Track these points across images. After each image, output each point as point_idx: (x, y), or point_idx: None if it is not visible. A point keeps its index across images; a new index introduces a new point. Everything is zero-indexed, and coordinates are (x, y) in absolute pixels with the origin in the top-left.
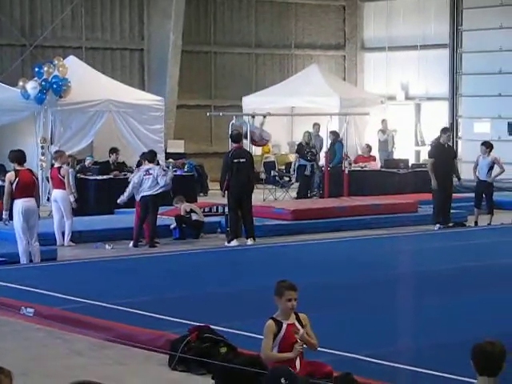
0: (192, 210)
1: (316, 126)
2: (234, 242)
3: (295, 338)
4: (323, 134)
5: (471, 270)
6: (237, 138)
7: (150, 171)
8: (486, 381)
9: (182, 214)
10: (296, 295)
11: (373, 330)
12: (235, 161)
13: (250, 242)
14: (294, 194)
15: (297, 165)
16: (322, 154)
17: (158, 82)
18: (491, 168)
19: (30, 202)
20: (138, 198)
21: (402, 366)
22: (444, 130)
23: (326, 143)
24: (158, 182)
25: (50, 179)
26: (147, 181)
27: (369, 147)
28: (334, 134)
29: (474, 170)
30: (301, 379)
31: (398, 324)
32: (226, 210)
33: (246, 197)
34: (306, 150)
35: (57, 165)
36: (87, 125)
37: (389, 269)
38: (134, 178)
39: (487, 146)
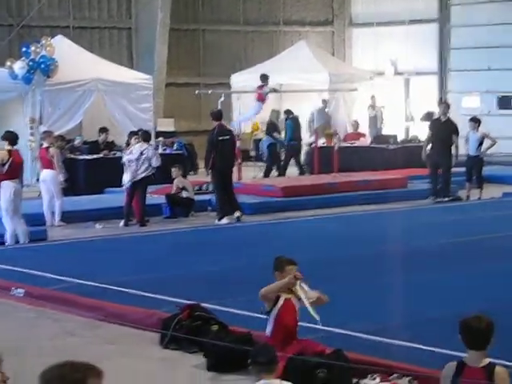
0: (184, 187)
1: (324, 102)
2: (225, 220)
3: (291, 314)
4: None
5: (461, 244)
6: (218, 115)
7: (144, 152)
8: (474, 354)
9: (174, 188)
10: (296, 269)
11: (364, 306)
12: (220, 138)
13: (237, 213)
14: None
15: (267, 143)
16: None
17: (146, 60)
18: (481, 143)
19: (18, 183)
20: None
21: (393, 342)
22: (439, 103)
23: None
24: (150, 164)
25: (38, 159)
26: (143, 163)
27: (356, 123)
28: (287, 112)
29: (465, 146)
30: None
31: (389, 299)
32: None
33: (229, 173)
34: (273, 128)
35: (45, 145)
36: (76, 104)
37: (379, 244)
38: (130, 163)
39: (475, 121)
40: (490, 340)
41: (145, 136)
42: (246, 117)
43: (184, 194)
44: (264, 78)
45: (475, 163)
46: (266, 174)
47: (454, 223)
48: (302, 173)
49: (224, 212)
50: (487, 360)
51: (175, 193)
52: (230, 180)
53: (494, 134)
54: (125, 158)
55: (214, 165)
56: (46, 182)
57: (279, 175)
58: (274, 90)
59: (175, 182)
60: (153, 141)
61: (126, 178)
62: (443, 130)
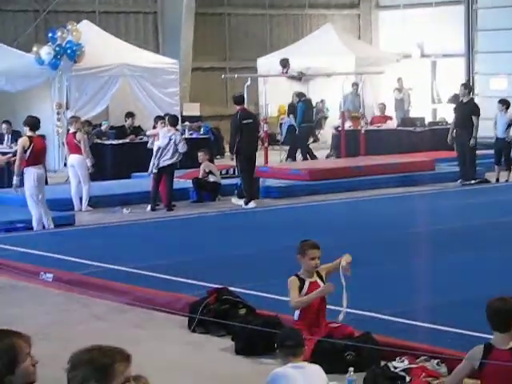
0: (211, 172)
1: (354, 85)
2: (252, 204)
3: (318, 298)
4: (339, 94)
5: (488, 227)
6: (240, 99)
7: (172, 137)
8: (500, 336)
9: (201, 173)
10: (319, 254)
11: (391, 289)
12: (244, 122)
13: (253, 204)
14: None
15: (287, 125)
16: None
17: (172, 44)
18: (509, 125)
19: (41, 169)
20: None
21: (421, 324)
22: (461, 85)
23: (362, 103)
24: (177, 149)
25: (65, 145)
26: (170, 148)
27: (383, 106)
28: (299, 95)
29: (494, 128)
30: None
31: (417, 282)
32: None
33: (254, 157)
34: (292, 110)
35: (72, 130)
36: (102, 89)
37: (407, 227)
38: (160, 150)
39: (504, 103)
40: None
41: (172, 120)
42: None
43: (211, 179)
44: (284, 62)
45: (504, 146)
46: (290, 156)
47: (480, 206)
48: (306, 158)
49: (250, 196)
50: None
51: (202, 177)
52: (254, 164)
53: None
54: (155, 145)
55: (238, 149)
56: (74, 167)
57: (303, 159)
58: (302, 74)
59: (202, 166)
60: (179, 125)
61: (154, 164)
62: (464, 111)
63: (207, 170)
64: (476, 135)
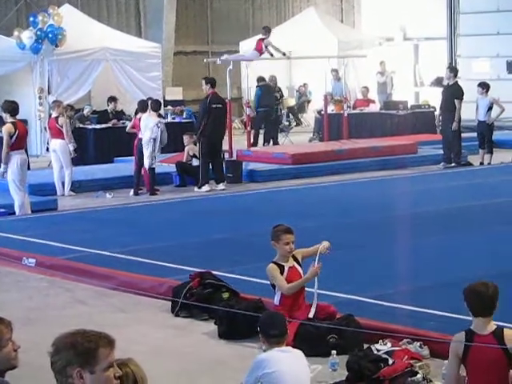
0: (195, 155)
1: (334, 71)
2: (206, 187)
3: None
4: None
5: (470, 210)
6: (213, 82)
7: (159, 125)
8: (481, 321)
9: (185, 156)
10: (293, 238)
11: (373, 272)
12: (213, 106)
13: (222, 186)
14: (297, 138)
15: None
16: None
17: (154, 28)
18: (490, 108)
19: (24, 154)
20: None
21: (403, 307)
22: (446, 68)
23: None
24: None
25: (47, 129)
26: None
27: (366, 89)
28: (258, 80)
29: (476, 111)
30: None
31: (399, 265)
32: (226, 156)
33: (220, 143)
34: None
35: (54, 115)
36: (84, 74)
37: (389, 210)
38: (153, 140)
39: (483, 86)
40: (496, 305)
41: (155, 106)
42: (237, 57)
43: (194, 163)
44: (266, 30)
45: (485, 128)
46: (266, 140)
47: (462, 188)
48: (267, 141)
49: (205, 180)
50: (493, 325)
51: (186, 161)
52: (220, 149)
53: (503, 98)
54: (144, 136)
55: (203, 132)
56: (56, 152)
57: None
58: (284, 55)
59: (186, 149)
60: (162, 109)
61: (153, 157)
62: (448, 94)
63: (191, 153)
64: (458, 119)
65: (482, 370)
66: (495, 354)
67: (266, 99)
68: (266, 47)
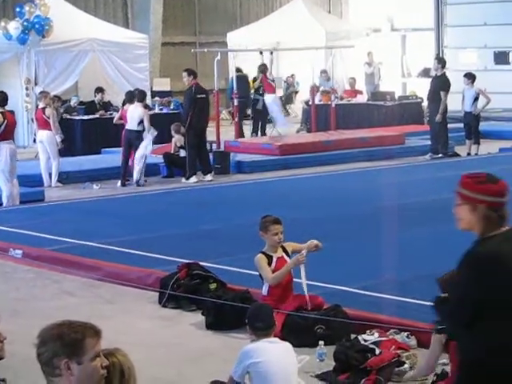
0: (182, 146)
1: (323, 73)
2: (194, 179)
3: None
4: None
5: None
6: (194, 73)
7: (151, 136)
8: None
9: (173, 146)
10: (281, 228)
11: (361, 262)
12: (198, 96)
13: (209, 177)
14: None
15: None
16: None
17: (141, 19)
18: (476, 99)
19: (13, 144)
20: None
21: (390, 297)
22: (434, 58)
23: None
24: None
25: (35, 120)
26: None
27: (354, 80)
28: (236, 70)
29: (462, 102)
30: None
31: (386, 256)
32: (213, 147)
33: (204, 133)
34: (259, 84)
35: (41, 106)
36: (71, 64)
37: (376, 201)
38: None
39: (469, 77)
40: None
41: (140, 96)
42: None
43: (182, 153)
44: (262, 68)
45: (471, 119)
46: (254, 130)
47: (448, 179)
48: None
49: (193, 171)
50: None
51: (174, 152)
52: (205, 139)
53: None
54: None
55: (190, 123)
56: (43, 143)
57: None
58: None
59: (174, 140)
60: (149, 100)
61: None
62: (434, 85)
63: (179, 145)
64: (443, 111)
65: None
66: None
67: (240, 90)
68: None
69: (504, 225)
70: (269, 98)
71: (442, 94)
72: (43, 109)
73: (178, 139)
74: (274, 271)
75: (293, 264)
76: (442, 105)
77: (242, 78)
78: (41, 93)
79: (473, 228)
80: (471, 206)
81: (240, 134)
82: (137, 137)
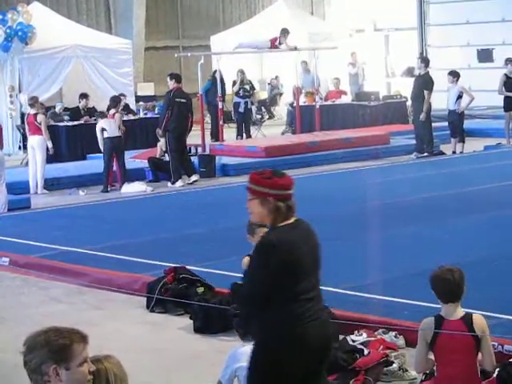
0: (167, 151)
1: (303, 63)
2: (180, 183)
3: None
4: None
5: (443, 199)
6: (178, 78)
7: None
8: (451, 307)
9: (158, 151)
10: None
11: (348, 263)
12: (177, 100)
13: (194, 177)
14: (270, 131)
15: (232, 102)
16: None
17: (124, 24)
18: (459, 97)
19: (1, 151)
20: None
21: (377, 297)
22: (417, 58)
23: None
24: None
25: (26, 125)
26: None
27: (338, 81)
28: (213, 74)
29: (447, 100)
30: None
31: (373, 256)
32: (198, 150)
33: (184, 137)
34: (239, 87)
35: (33, 111)
36: (55, 71)
37: (362, 202)
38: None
39: (454, 75)
40: (463, 290)
41: (112, 104)
42: (250, 45)
43: (167, 157)
44: (284, 32)
45: (455, 117)
46: (239, 133)
47: (434, 178)
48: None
49: (179, 175)
50: (462, 310)
51: (159, 157)
52: (185, 143)
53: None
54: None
55: (168, 127)
56: (33, 148)
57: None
58: (295, 48)
59: (159, 144)
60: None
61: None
62: (418, 84)
63: (164, 149)
64: (426, 109)
65: (450, 354)
66: (465, 338)
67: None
68: (280, 44)
69: (292, 215)
70: None
71: (425, 93)
72: (35, 115)
73: (163, 143)
74: None
75: None
76: (425, 104)
77: (213, 81)
78: (32, 98)
79: (264, 220)
80: (261, 199)
81: (218, 136)
82: (119, 142)
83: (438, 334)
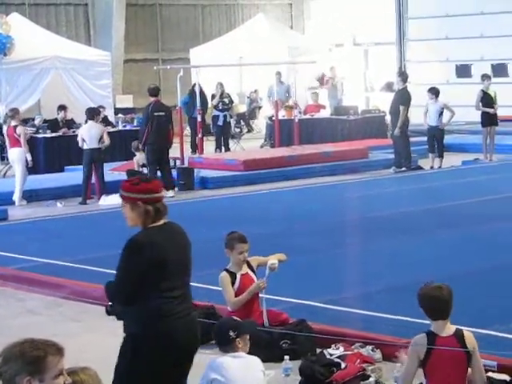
0: (144, 164)
1: (278, 74)
2: None
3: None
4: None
5: (420, 214)
6: (155, 91)
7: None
8: (442, 324)
9: (136, 166)
10: (247, 247)
11: (325, 277)
12: (155, 114)
13: (171, 193)
14: (248, 145)
15: (211, 115)
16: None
17: (103, 36)
18: (441, 113)
19: None
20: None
21: (354, 311)
22: (396, 73)
23: (290, 91)
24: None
25: (6, 137)
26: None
27: (316, 95)
28: (193, 87)
29: (424, 116)
30: (246, 325)
31: (350, 270)
32: (177, 163)
33: (165, 150)
34: (218, 100)
35: (13, 123)
36: (33, 82)
37: (341, 216)
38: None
39: (433, 92)
40: (452, 307)
41: (89, 114)
42: None
43: (145, 171)
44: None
45: (436, 133)
46: (218, 146)
47: (412, 192)
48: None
49: None
50: (453, 327)
51: (137, 169)
52: (167, 157)
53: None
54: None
55: (147, 141)
56: (14, 161)
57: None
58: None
59: (135, 158)
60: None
61: None
62: (395, 99)
63: (141, 163)
64: (401, 124)
65: (442, 370)
66: (458, 354)
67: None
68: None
69: (162, 217)
70: None
71: (400, 108)
72: (15, 127)
73: (139, 158)
74: (238, 289)
75: (254, 289)
76: (400, 119)
77: (192, 96)
78: (12, 110)
79: (137, 224)
80: (131, 204)
81: (195, 149)
82: (99, 154)
83: (431, 351)
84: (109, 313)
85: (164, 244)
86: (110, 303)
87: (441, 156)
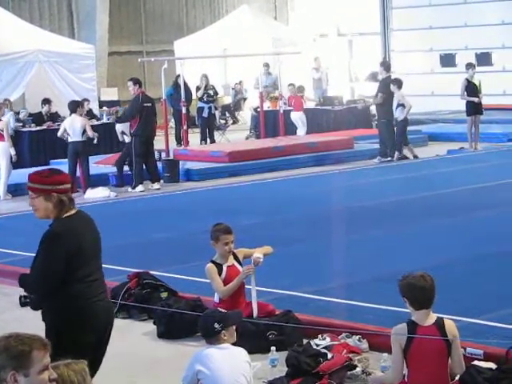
0: (124, 132)
1: (265, 65)
2: (140, 187)
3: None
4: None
5: (405, 203)
6: (140, 82)
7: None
8: (424, 313)
9: (119, 136)
10: (232, 238)
11: (311, 267)
12: (145, 105)
13: (157, 185)
14: (234, 136)
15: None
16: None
17: (87, 29)
18: (401, 105)
19: None
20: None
21: (340, 301)
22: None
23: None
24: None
25: None
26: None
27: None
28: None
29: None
30: (231, 316)
31: (336, 260)
32: (162, 155)
33: (151, 142)
34: (203, 92)
35: None
36: (17, 76)
37: (326, 206)
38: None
39: (394, 82)
40: (435, 296)
41: (72, 107)
42: None
43: (127, 139)
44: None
45: (396, 125)
46: (203, 138)
47: (397, 182)
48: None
49: (140, 180)
50: (434, 316)
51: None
52: (152, 148)
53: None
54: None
55: (136, 132)
56: None
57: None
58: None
59: (116, 127)
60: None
61: None
62: (378, 89)
63: (120, 130)
64: (377, 102)
65: (423, 359)
66: (438, 343)
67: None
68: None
69: (73, 206)
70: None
71: (379, 95)
72: None
73: (119, 127)
74: (224, 280)
75: (243, 276)
76: (375, 100)
77: (175, 87)
78: None
79: (49, 215)
80: (45, 196)
81: (180, 141)
82: (83, 147)
83: (411, 340)
84: (22, 304)
85: (80, 231)
86: (22, 295)
87: (399, 150)
